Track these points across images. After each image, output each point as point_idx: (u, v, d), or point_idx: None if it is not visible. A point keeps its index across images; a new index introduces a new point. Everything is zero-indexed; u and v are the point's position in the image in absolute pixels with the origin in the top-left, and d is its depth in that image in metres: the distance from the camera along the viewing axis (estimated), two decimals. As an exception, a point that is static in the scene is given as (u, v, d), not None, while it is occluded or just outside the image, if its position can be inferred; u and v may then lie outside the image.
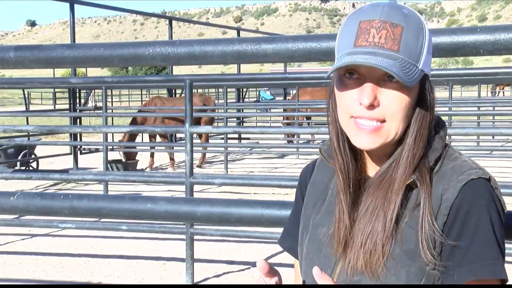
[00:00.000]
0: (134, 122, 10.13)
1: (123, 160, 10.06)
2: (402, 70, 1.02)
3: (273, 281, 1.07)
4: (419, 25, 1.07)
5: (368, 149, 1.09)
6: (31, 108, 18.93)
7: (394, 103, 1.05)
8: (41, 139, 10.84)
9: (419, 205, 1.06)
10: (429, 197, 1.05)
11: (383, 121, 1.06)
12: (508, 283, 1.06)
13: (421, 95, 1.09)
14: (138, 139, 11.77)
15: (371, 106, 1.04)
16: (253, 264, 4.68)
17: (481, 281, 1.01)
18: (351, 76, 1.07)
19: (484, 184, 1.05)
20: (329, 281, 0.99)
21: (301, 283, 1.25)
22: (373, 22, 1.05)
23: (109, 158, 9.03)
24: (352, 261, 1.08)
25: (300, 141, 12.43)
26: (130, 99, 32.36)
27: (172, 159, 10.27)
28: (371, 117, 1.05)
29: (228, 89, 11.42)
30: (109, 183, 7.38)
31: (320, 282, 0.99)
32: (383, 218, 1.06)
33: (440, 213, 1.05)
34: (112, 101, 14.72)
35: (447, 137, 1.15)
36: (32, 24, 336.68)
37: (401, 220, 1.06)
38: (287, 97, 16.40)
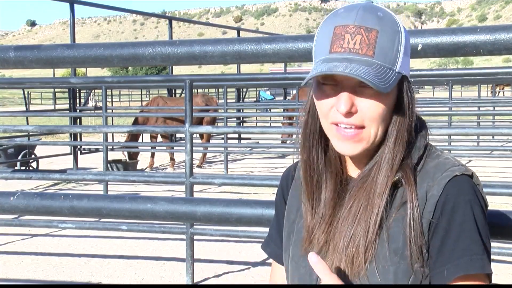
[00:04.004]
0: (136, 122, 10.14)
1: (126, 160, 10.07)
2: (377, 76, 1.02)
3: None
4: (394, 28, 1.07)
5: (350, 155, 1.10)
6: (31, 108, 18.93)
7: (371, 109, 1.05)
8: (41, 139, 10.85)
9: (405, 203, 1.06)
10: (415, 196, 1.06)
11: (362, 127, 1.06)
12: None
13: (399, 97, 1.09)
14: (140, 139, 11.77)
15: (349, 114, 1.05)
16: (253, 264, 4.69)
17: (470, 276, 1.02)
18: (328, 82, 1.07)
19: (467, 181, 1.07)
20: (326, 267, 0.99)
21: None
22: (347, 28, 1.05)
23: (109, 158, 9.03)
24: (336, 264, 1.08)
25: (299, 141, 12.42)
26: (130, 99, 32.37)
27: (172, 159, 10.27)
28: (350, 123, 1.06)
29: (228, 89, 11.42)
30: (109, 183, 7.38)
31: (316, 268, 0.99)
32: (366, 223, 1.06)
33: (426, 210, 1.05)
34: (112, 101, 14.71)
35: (428, 136, 1.15)
36: (32, 24, 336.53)
37: (387, 218, 1.06)
38: (287, 97, 16.39)
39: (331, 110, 1.07)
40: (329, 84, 1.07)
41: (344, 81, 1.05)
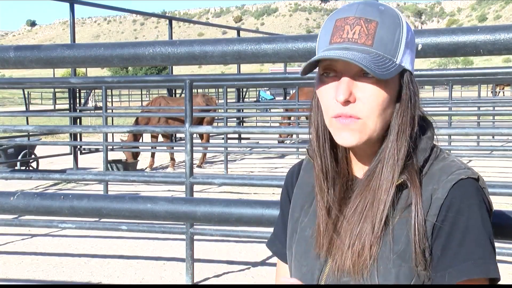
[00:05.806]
0: (137, 122, 10.14)
1: (127, 160, 10.07)
2: (375, 63, 1.02)
3: None
4: (395, 21, 1.07)
5: (350, 145, 1.08)
6: (31, 108, 18.95)
7: (370, 98, 1.05)
8: (41, 139, 10.84)
9: (410, 205, 1.05)
10: (420, 198, 1.05)
11: (360, 117, 1.06)
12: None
13: (401, 91, 1.08)
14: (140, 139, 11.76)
15: (347, 102, 1.05)
16: (253, 264, 4.68)
17: (473, 281, 1.01)
18: (329, 75, 1.08)
19: (473, 184, 1.06)
20: None
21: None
22: (347, 19, 1.06)
23: (109, 158, 9.03)
24: (339, 262, 1.08)
25: (299, 141, 12.46)
26: (130, 99, 32.39)
27: (173, 159, 10.27)
28: (348, 114, 1.05)
29: (228, 89, 11.41)
30: (109, 183, 7.38)
31: None
32: (372, 219, 1.06)
33: (430, 213, 1.05)
34: (112, 101, 14.71)
35: (435, 137, 1.14)
36: (32, 24, 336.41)
37: (391, 220, 1.06)
38: (287, 97, 16.40)
39: (331, 102, 1.07)
40: (329, 77, 1.08)
41: (343, 71, 1.06)
